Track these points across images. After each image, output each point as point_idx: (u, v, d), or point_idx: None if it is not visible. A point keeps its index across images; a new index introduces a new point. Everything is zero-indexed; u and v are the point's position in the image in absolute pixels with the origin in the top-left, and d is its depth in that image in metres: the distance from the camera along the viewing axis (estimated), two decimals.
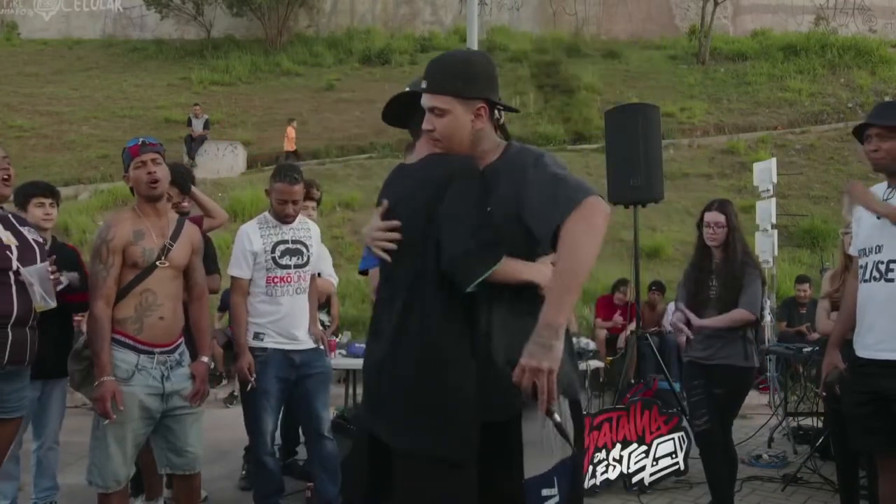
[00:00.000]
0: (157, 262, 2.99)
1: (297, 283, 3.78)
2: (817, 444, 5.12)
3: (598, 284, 9.00)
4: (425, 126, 2.06)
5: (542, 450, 1.90)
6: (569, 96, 17.40)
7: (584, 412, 1.99)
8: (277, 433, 3.91)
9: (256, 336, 3.71)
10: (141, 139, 3.09)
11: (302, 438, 4.55)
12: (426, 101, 2.05)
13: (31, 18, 23.97)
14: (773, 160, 8.64)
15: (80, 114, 17.70)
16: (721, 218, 3.91)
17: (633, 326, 6.24)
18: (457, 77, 2.03)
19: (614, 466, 4.42)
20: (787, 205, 12.51)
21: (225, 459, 4.95)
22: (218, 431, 5.32)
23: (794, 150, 15.34)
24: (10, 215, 3.03)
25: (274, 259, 3.73)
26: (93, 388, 2.99)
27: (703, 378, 3.90)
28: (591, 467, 4.33)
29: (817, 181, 14.17)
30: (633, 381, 5.65)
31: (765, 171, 8.28)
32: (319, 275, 4.21)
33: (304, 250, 3.83)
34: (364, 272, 3.13)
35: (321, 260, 4.22)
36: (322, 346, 3.89)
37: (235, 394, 7.01)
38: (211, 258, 4.21)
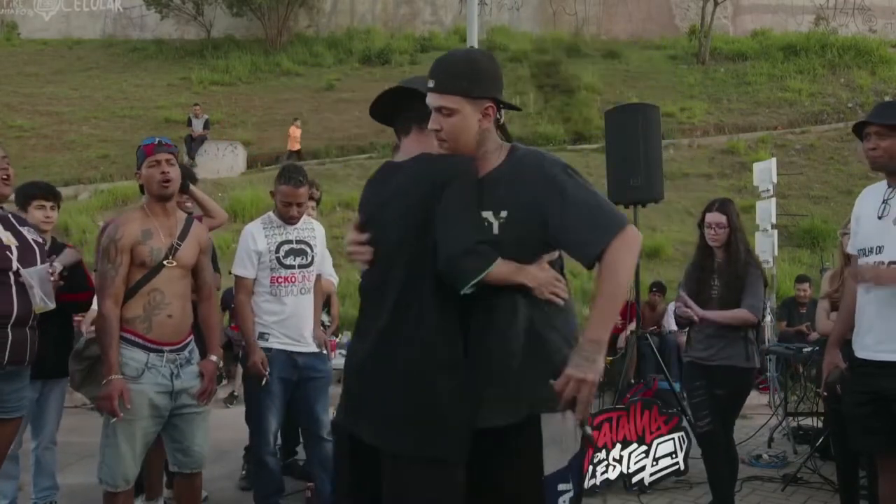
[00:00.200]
0: (165, 262, 3.00)
1: (301, 283, 3.78)
2: (817, 444, 5.12)
3: None
4: (432, 126, 2.04)
5: (559, 447, 1.93)
6: (569, 96, 17.41)
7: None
8: (278, 433, 3.91)
9: (261, 336, 3.71)
10: (157, 139, 3.12)
11: (302, 439, 4.56)
12: (433, 100, 2.03)
13: (31, 18, 23.98)
14: (773, 160, 8.64)
15: (80, 114, 17.71)
16: (722, 218, 3.90)
17: (633, 326, 6.24)
18: (464, 76, 2.02)
19: (614, 466, 4.42)
20: (787, 205, 12.52)
21: (225, 459, 4.95)
22: (218, 431, 5.30)
23: (794, 150, 15.35)
24: (10, 215, 3.03)
25: (278, 259, 3.73)
26: (93, 388, 3.00)
27: (705, 379, 3.88)
28: (591, 467, 4.33)
29: (817, 181, 14.18)
30: (633, 381, 5.65)
31: (765, 171, 8.28)
32: (319, 275, 4.21)
33: (309, 250, 3.83)
34: None
35: (323, 260, 4.23)
36: (325, 351, 3.89)
37: (236, 394, 7.01)
38: (211, 257, 4.21)
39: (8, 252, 2.85)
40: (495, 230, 2.01)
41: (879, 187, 2.99)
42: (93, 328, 4.30)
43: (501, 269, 1.96)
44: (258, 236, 3.75)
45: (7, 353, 2.81)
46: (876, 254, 2.88)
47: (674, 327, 8.17)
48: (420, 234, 1.99)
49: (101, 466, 2.96)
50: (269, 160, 15.96)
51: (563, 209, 1.94)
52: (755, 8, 22.23)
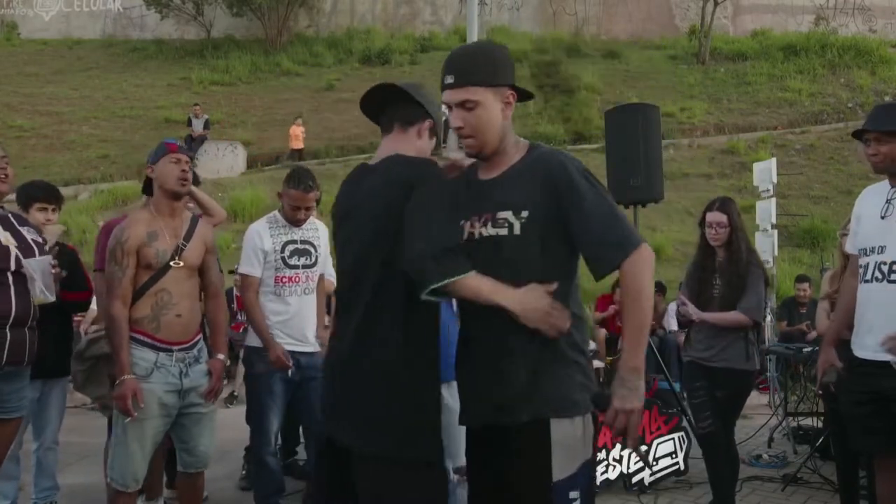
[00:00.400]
0: (171, 263, 3.02)
1: (305, 283, 3.79)
2: (817, 444, 5.12)
3: (598, 283, 9.00)
4: (454, 123, 2.00)
5: (569, 452, 1.91)
6: (569, 96, 17.41)
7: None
8: (279, 433, 3.91)
9: None
10: (179, 142, 3.21)
11: (302, 439, 4.56)
12: (453, 96, 1.98)
13: (31, 18, 23.98)
14: (773, 160, 8.65)
15: (80, 114, 17.71)
16: (723, 218, 3.89)
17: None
18: (485, 65, 1.98)
19: (614, 466, 4.42)
20: (787, 205, 12.52)
21: (225, 459, 4.95)
22: (218, 431, 5.30)
23: (794, 150, 15.35)
24: (9, 215, 3.04)
25: (283, 259, 3.73)
26: (96, 388, 3.01)
27: (705, 380, 3.87)
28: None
29: (817, 181, 14.18)
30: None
31: (765, 171, 8.28)
32: (322, 275, 4.22)
33: (313, 251, 3.84)
34: None
35: (325, 260, 4.23)
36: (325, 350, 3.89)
37: (236, 394, 7.01)
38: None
39: (6, 252, 2.85)
40: (517, 230, 1.96)
41: (881, 187, 2.98)
42: (93, 328, 4.31)
43: (473, 283, 1.91)
44: (264, 235, 3.75)
45: (5, 354, 2.81)
46: (878, 253, 2.88)
47: (674, 327, 8.17)
48: (393, 236, 1.99)
49: (111, 466, 2.98)
50: (269, 160, 15.96)
51: (580, 217, 1.91)
52: (755, 8, 22.23)
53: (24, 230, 3.02)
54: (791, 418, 6.05)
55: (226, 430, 5.27)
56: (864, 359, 2.90)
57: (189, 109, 16.59)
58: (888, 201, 2.90)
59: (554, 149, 2.07)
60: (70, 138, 16.60)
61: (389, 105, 2.23)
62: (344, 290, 2.15)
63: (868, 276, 2.91)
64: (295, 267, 3.75)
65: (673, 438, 4.66)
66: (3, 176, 2.95)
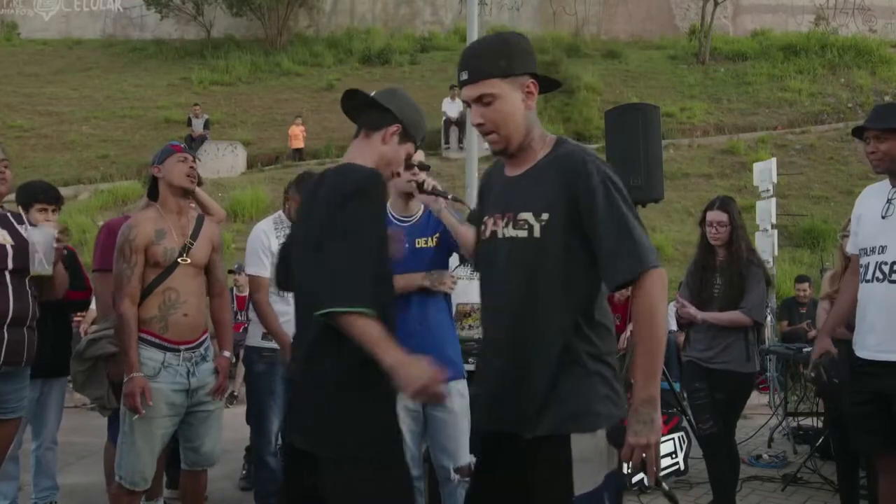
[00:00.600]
0: (179, 260, 3.04)
1: None
2: (817, 444, 5.12)
3: None
4: (474, 121, 1.95)
5: (592, 465, 1.86)
6: (569, 96, 17.38)
7: None
8: (279, 433, 3.91)
9: (266, 336, 3.71)
10: (184, 145, 3.27)
11: None
12: (469, 92, 1.92)
13: (31, 18, 23.97)
14: (773, 160, 8.64)
15: (80, 114, 17.69)
16: (723, 217, 3.88)
17: (633, 327, 6.25)
18: (499, 56, 1.90)
19: None
20: (787, 205, 12.52)
21: (225, 459, 4.93)
22: None
23: (794, 150, 15.34)
24: (8, 214, 3.04)
25: None
26: (95, 389, 3.02)
27: (705, 381, 3.86)
28: None
29: (817, 181, 14.17)
30: (632, 382, 5.65)
31: (765, 171, 8.28)
32: None
33: None
34: None
35: None
36: None
37: (235, 394, 7.01)
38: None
39: (3, 251, 2.85)
40: (536, 233, 1.89)
41: (882, 187, 2.98)
42: (93, 328, 4.32)
43: (364, 325, 1.85)
44: (271, 236, 3.76)
45: (3, 354, 2.81)
46: (879, 253, 2.88)
47: (674, 327, 8.16)
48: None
49: (119, 465, 2.99)
50: (269, 160, 15.96)
51: (593, 224, 1.83)
52: (755, 8, 22.23)
53: (21, 229, 3.02)
54: (791, 418, 6.06)
55: (226, 429, 5.25)
56: (865, 359, 2.90)
57: (189, 109, 16.58)
58: (889, 201, 2.90)
59: (580, 146, 1.96)
60: (70, 138, 16.59)
61: (360, 111, 2.26)
62: (300, 298, 2.17)
63: (869, 276, 2.91)
64: None
65: (673, 438, 4.66)
66: (1, 178, 2.95)
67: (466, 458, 3.04)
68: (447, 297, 3.10)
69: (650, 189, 5.16)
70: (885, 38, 20.76)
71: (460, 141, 14.86)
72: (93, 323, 6.29)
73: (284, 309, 3.73)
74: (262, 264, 3.73)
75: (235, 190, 13.34)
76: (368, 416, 1.99)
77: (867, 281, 2.92)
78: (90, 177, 14.87)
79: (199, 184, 3.23)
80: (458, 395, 3.05)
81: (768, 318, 7.31)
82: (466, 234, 2.57)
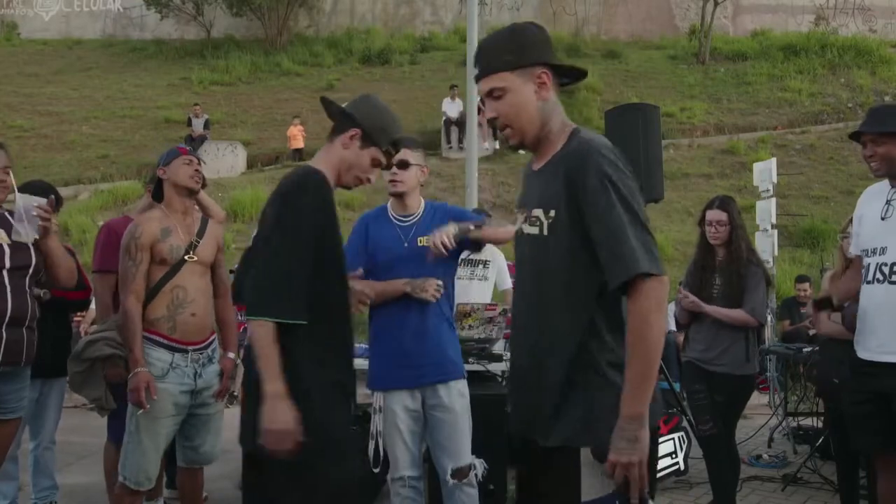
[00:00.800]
0: (186, 258, 3.05)
1: None
2: (817, 444, 5.12)
3: None
4: (488, 115, 1.93)
5: (601, 476, 1.81)
6: (569, 96, 17.38)
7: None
8: None
9: None
10: (189, 149, 3.32)
11: None
12: (481, 87, 1.90)
13: (31, 18, 23.97)
14: (773, 160, 8.64)
15: (80, 114, 17.69)
16: (723, 216, 3.88)
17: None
18: (506, 49, 1.87)
19: None
20: (787, 205, 12.51)
21: (225, 459, 4.93)
22: None
23: (794, 150, 15.34)
24: (5, 213, 3.03)
25: None
26: (92, 390, 3.02)
27: (704, 383, 3.85)
28: None
29: (817, 181, 14.17)
30: None
31: (765, 171, 8.28)
32: None
33: None
34: None
35: None
36: None
37: (236, 394, 7.00)
38: None
39: (0, 250, 2.84)
40: (545, 230, 1.84)
41: (882, 187, 2.98)
42: (93, 328, 4.32)
43: (264, 336, 1.97)
44: None
45: (1, 354, 2.80)
46: (879, 255, 2.88)
47: (673, 327, 8.16)
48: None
49: (124, 465, 3.00)
50: (269, 160, 15.95)
51: (590, 222, 1.77)
52: (755, 8, 22.22)
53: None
54: (791, 418, 6.05)
55: (226, 429, 5.27)
56: (866, 360, 2.90)
57: (189, 109, 16.58)
58: (888, 202, 2.90)
59: (588, 138, 1.87)
60: (70, 138, 16.58)
61: (334, 117, 2.38)
62: None
63: (870, 278, 2.91)
64: None
65: (673, 438, 4.66)
66: (2, 185, 2.97)
67: (467, 458, 3.04)
68: (450, 297, 3.09)
69: (650, 189, 5.15)
70: (885, 38, 20.75)
71: (460, 141, 14.86)
72: (92, 323, 6.28)
73: None
74: None
75: (235, 190, 13.33)
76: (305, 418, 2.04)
77: (868, 282, 2.92)
78: (90, 177, 14.86)
79: (203, 186, 3.24)
80: (459, 395, 3.05)
81: (769, 319, 7.30)
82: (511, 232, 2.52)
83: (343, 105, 2.37)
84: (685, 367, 4.11)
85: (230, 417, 5.65)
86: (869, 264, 2.93)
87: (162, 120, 17.26)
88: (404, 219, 3.11)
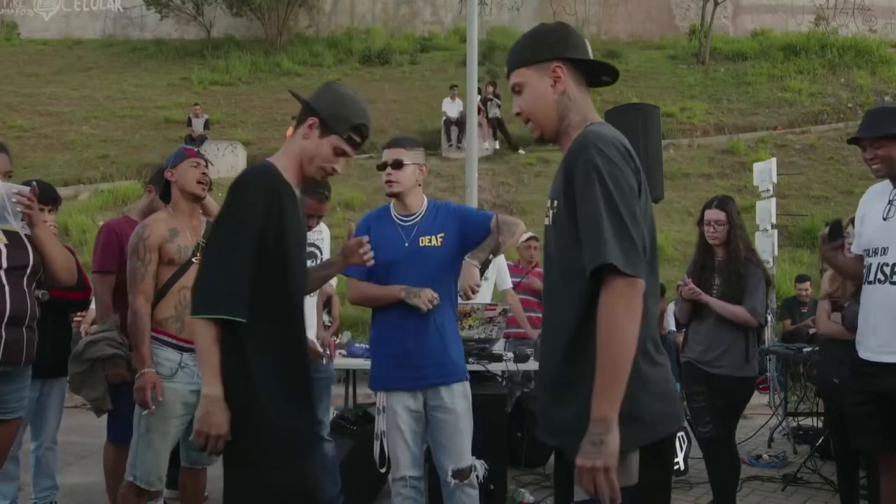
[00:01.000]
0: (193, 259, 3.06)
1: None
2: (817, 444, 5.12)
3: None
4: (514, 109, 2.00)
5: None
6: None
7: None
8: None
9: None
10: (198, 150, 3.31)
11: None
12: (510, 84, 1.99)
13: (31, 18, 23.97)
14: (773, 160, 8.65)
15: (80, 114, 17.69)
16: (721, 215, 3.87)
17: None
18: (525, 47, 1.96)
19: None
20: (787, 205, 12.52)
21: None
22: None
23: (794, 150, 15.34)
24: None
25: None
26: (91, 391, 3.03)
27: (704, 384, 3.83)
28: None
29: (817, 181, 14.17)
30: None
31: (765, 171, 8.29)
32: None
33: (318, 253, 3.87)
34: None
35: None
36: (327, 351, 3.90)
37: None
38: None
39: None
40: (551, 221, 1.88)
41: (884, 187, 2.98)
42: (93, 328, 4.32)
43: (205, 336, 2.00)
44: None
45: (0, 353, 2.80)
46: (881, 255, 2.88)
47: (673, 327, 8.17)
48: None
49: (134, 466, 3.00)
50: None
51: (577, 216, 1.76)
52: (755, 8, 22.22)
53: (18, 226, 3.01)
54: (791, 418, 6.06)
55: None
56: (867, 360, 2.90)
57: (189, 109, 16.58)
58: (890, 202, 2.90)
59: (593, 131, 1.85)
60: (70, 138, 16.58)
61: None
62: None
63: (871, 278, 2.91)
64: None
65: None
66: None
67: (468, 459, 3.04)
68: (453, 298, 3.09)
69: (650, 189, 5.11)
70: (885, 38, 20.75)
71: (459, 141, 14.86)
72: (92, 323, 6.28)
73: None
74: None
75: None
76: (241, 417, 2.05)
77: (869, 283, 2.92)
78: (90, 177, 14.86)
79: (209, 189, 3.24)
80: (462, 396, 3.05)
81: (769, 319, 7.30)
82: None
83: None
84: (685, 368, 4.10)
85: None
86: (870, 264, 2.93)
87: (162, 120, 17.27)
88: (406, 219, 3.10)
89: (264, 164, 2.26)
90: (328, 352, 3.90)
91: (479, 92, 13.23)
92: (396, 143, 3.13)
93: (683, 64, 19.58)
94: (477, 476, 3.08)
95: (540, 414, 1.96)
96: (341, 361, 5.26)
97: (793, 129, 16.29)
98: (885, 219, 2.89)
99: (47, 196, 3.77)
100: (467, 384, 3.10)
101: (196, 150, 3.30)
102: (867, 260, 2.96)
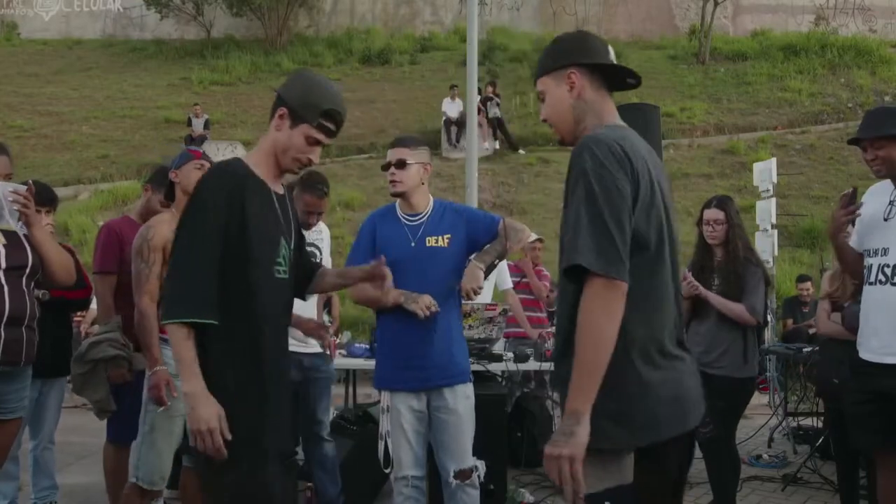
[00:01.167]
0: None
1: None
2: (817, 444, 5.12)
3: None
4: (541, 116, 2.06)
5: (594, 472, 1.75)
6: None
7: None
8: None
9: None
10: (203, 151, 3.31)
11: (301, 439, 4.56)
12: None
13: (31, 18, 23.97)
14: (773, 160, 8.65)
15: (80, 114, 17.70)
16: (720, 215, 3.86)
17: None
18: (546, 56, 2.03)
19: None
20: (787, 205, 12.52)
21: None
22: None
23: (794, 150, 15.34)
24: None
25: None
26: (94, 392, 3.03)
27: (703, 385, 3.82)
28: None
29: (817, 181, 14.17)
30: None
31: (765, 171, 8.28)
32: None
33: (318, 253, 3.87)
34: None
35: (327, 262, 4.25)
36: (327, 351, 3.90)
37: None
38: None
39: None
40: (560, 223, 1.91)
41: (885, 187, 2.97)
42: (94, 328, 4.32)
43: (179, 338, 1.99)
44: None
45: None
46: (881, 256, 2.87)
47: None
48: None
49: (137, 466, 3.00)
50: None
51: (564, 217, 1.80)
52: (755, 8, 22.22)
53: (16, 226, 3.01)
54: (791, 418, 6.06)
55: None
56: (867, 361, 2.90)
57: (189, 109, 16.58)
58: (891, 203, 2.89)
59: (592, 134, 1.87)
60: (70, 138, 16.59)
61: None
62: None
63: (872, 279, 2.90)
64: None
65: None
66: None
67: (470, 460, 3.04)
68: (457, 299, 3.08)
69: None
70: (885, 38, 20.74)
71: (458, 140, 14.87)
72: (93, 323, 6.28)
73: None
74: None
75: None
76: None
77: (870, 283, 2.91)
78: (90, 177, 14.87)
79: None
80: (464, 397, 3.05)
81: (769, 319, 7.30)
82: None
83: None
84: None
85: None
86: (871, 265, 2.91)
87: (162, 120, 17.27)
88: (412, 218, 3.09)
89: (230, 160, 2.23)
90: (328, 352, 3.90)
91: (479, 92, 13.23)
92: (400, 143, 3.12)
93: (683, 64, 19.58)
94: (478, 476, 3.08)
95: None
96: (341, 361, 5.26)
97: (793, 129, 16.29)
98: (886, 219, 2.88)
99: (44, 197, 3.75)
100: (471, 385, 3.10)
101: (201, 151, 3.30)
102: (868, 260, 2.95)
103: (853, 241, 3.13)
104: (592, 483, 1.76)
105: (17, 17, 23.93)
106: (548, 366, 5.10)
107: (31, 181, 3.02)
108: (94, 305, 4.64)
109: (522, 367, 4.95)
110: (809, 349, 5.77)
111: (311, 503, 4.10)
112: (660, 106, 5.70)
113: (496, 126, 15.35)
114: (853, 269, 3.13)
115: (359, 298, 3.13)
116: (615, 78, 2.05)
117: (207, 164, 3.16)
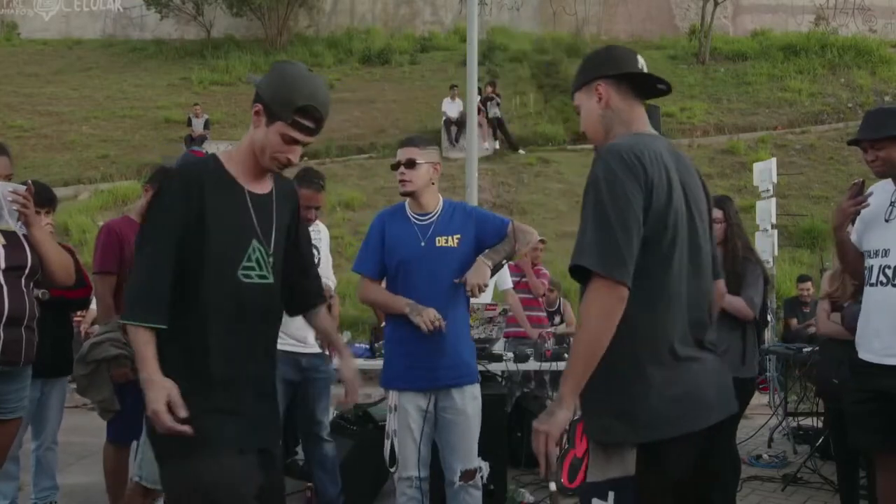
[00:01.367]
0: None
1: None
2: (817, 444, 5.12)
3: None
4: (581, 129, 2.17)
5: (598, 463, 1.86)
6: (569, 96, 17.40)
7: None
8: None
9: None
10: (205, 151, 3.31)
11: (300, 439, 4.56)
12: None
13: (31, 18, 23.97)
14: (773, 160, 8.64)
15: (80, 114, 17.70)
16: (718, 214, 3.85)
17: None
18: (578, 74, 2.12)
19: None
20: (787, 205, 12.51)
21: None
22: None
23: (794, 150, 15.34)
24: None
25: None
26: (97, 392, 3.03)
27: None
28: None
29: (817, 181, 14.17)
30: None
31: (765, 171, 8.28)
32: None
33: (316, 253, 3.85)
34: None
35: (326, 262, 4.24)
36: (326, 352, 3.90)
37: None
38: None
39: None
40: None
41: (886, 187, 2.96)
42: (95, 328, 4.32)
43: (141, 339, 1.95)
44: None
45: None
46: (882, 257, 2.86)
47: None
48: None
49: (140, 466, 3.00)
50: None
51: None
52: (755, 8, 22.22)
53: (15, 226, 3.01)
54: (791, 418, 6.06)
55: None
56: (868, 361, 2.89)
57: (189, 109, 16.58)
58: (892, 203, 2.88)
59: (610, 145, 1.92)
60: (70, 138, 16.59)
61: None
62: None
63: (873, 280, 2.89)
64: None
65: None
66: None
67: (475, 461, 3.04)
68: (466, 299, 3.08)
69: None
70: (885, 38, 20.75)
71: (458, 140, 14.87)
72: (93, 323, 6.28)
73: None
74: None
75: None
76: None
77: (871, 284, 2.90)
78: (90, 177, 14.87)
79: None
80: (472, 398, 3.05)
81: (769, 319, 7.30)
82: None
83: None
84: None
85: None
86: (872, 266, 2.90)
87: (162, 120, 17.27)
88: (422, 218, 3.09)
89: (203, 158, 2.23)
90: (328, 352, 3.89)
91: (479, 92, 13.23)
92: (410, 143, 3.13)
93: (683, 64, 19.58)
94: (482, 477, 3.08)
95: None
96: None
97: (793, 129, 16.29)
98: (887, 220, 2.88)
99: (44, 197, 3.75)
100: (478, 386, 3.11)
101: (204, 152, 3.28)
102: (868, 261, 2.94)
103: (852, 239, 3.12)
104: (596, 473, 1.84)
105: (17, 17, 23.93)
106: (548, 366, 5.11)
107: (30, 181, 3.01)
108: (94, 305, 4.64)
109: (522, 366, 4.96)
110: (809, 349, 5.77)
111: (311, 503, 4.10)
112: (660, 106, 5.72)
113: (496, 126, 15.35)
114: (853, 268, 3.12)
115: (364, 299, 3.13)
116: (644, 86, 2.11)
117: None
